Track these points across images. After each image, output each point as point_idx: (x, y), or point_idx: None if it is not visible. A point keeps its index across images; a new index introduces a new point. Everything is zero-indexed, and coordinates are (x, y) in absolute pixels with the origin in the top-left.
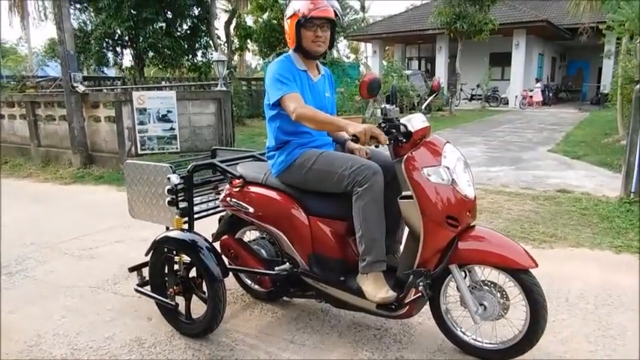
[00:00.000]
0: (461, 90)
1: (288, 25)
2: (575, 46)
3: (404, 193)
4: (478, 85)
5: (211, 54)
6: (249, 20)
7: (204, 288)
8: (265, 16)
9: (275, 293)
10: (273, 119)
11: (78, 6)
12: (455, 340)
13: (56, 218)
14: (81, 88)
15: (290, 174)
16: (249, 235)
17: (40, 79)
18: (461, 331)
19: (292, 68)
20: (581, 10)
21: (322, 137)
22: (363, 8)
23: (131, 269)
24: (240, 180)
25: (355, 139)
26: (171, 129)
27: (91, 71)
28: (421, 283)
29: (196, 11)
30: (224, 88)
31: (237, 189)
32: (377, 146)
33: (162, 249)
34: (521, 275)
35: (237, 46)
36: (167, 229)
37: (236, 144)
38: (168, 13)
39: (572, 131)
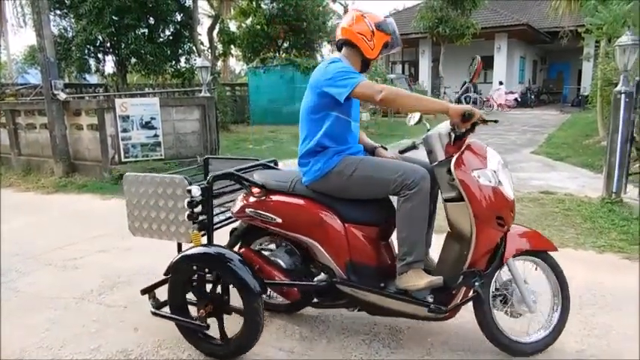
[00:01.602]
0: (444, 93)
1: (376, 39)
2: (555, 49)
3: (447, 196)
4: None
5: (195, 60)
6: (233, 26)
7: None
8: (248, 21)
9: (300, 305)
10: (318, 123)
11: (58, 12)
12: (497, 339)
13: (39, 228)
14: (62, 96)
15: (327, 181)
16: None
17: (20, 87)
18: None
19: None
20: (561, 13)
21: (356, 145)
22: (346, 13)
23: (144, 291)
24: (261, 189)
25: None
26: (155, 136)
27: (73, 78)
28: (476, 283)
29: (179, 17)
30: (208, 94)
31: (255, 199)
32: (403, 151)
33: (186, 267)
34: (549, 258)
35: (221, 51)
36: (179, 245)
37: (221, 150)
38: (151, 19)
39: (555, 133)
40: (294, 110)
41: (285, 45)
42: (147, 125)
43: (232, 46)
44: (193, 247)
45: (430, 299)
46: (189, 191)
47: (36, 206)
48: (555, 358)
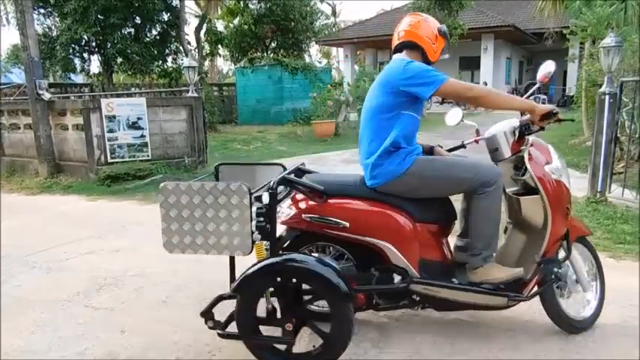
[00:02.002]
0: None
1: (438, 43)
2: (541, 50)
3: (512, 190)
4: None
5: (182, 60)
6: (220, 25)
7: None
8: (236, 21)
9: (362, 309)
10: (390, 122)
11: (42, 11)
12: (561, 319)
13: (24, 230)
14: (47, 96)
15: (401, 183)
16: None
17: (3, 87)
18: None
19: None
20: (546, 15)
21: (417, 145)
22: (334, 13)
23: (203, 314)
24: (320, 194)
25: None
26: (142, 136)
27: (58, 78)
28: (555, 269)
29: (166, 17)
30: (195, 94)
31: (314, 204)
32: (451, 150)
33: (263, 281)
34: (587, 241)
35: (208, 51)
36: (232, 259)
37: (209, 150)
38: (137, 18)
39: (541, 133)
40: (281, 110)
41: (273, 45)
42: (133, 125)
43: (220, 46)
44: (266, 258)
45: (503, 289)
46: (259, 199)
47: (20, 208)
48: (542, 357)
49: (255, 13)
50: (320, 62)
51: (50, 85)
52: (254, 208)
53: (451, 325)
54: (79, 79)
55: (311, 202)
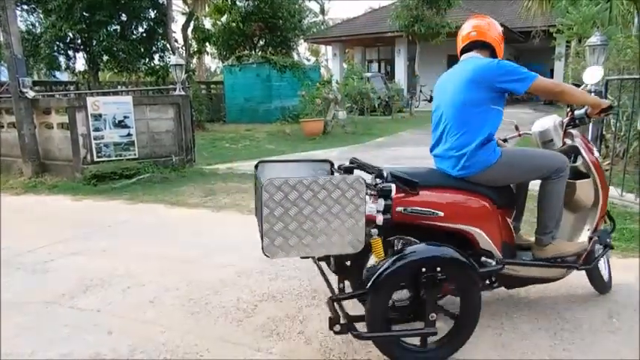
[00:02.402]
0: (420, 92)
1: (502, 43)
2: (528, 48)
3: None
4: None
5: (169, 58)
6: (208, 23)
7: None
8: (224, 18)
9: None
10: (482, 116)
11: (25, 7)
12: (598, 282)
13: (8, 231)
14: (30, 94)
15: (491, 172)
16: None
17: None
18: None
19: None
20: (533, 14)
21: None
22: (322, 11)
23: (332, 322)
24: (410, 186)
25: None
26: (129, 135)
27: (42, 75)
28: (608, 239)
29: (152, 14)
30: (183, 93)
31: (406, 196)
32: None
33: (402, 275)
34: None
35: (196, 49)
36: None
37: (196, 149)
38: (123, 15)
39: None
40: (270, 109)
41: (261, 43)
42: (120, 124)
43: (207, 44)
44: (403, 251)
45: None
46: (388, 192)
47: (4, 208)
48: (529, 354)
49: (242, 10)
50: (309, 60)
51: (34, 83)
52: (382, 203)
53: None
54: (64, 77)
55: (404, 195)
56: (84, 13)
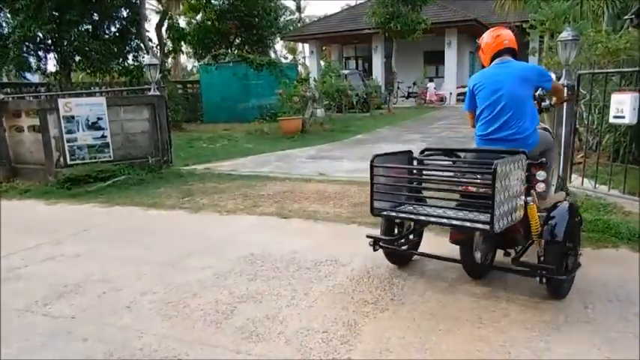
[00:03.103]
0: (398, 88)
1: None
2: None
3: None
4: (414, 83)
5: (143, 57)
6: (182, 22)
7: None
8: (199, 17)
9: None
10: (532, 106)
11: None
12: None
13: None
14: None
15: (538, 146)
16: None
17: None
18: None
19: None
20: (506, 10)
21: None
22: (299, 8)
23: (515, 259)
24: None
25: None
26: (103, 137)
27: (12, 77)
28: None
29: (125, 13)
30: (158, 93)
31: (539, 168)
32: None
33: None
34: None
35: (171, 48)
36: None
37: (173, 149)
38: (95, 15)
39: None
40: (247, 107)
41: (237, 41)
42: (93, 126)
43: (182, 43)
44: (560, 205)
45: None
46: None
47: None
48: (509, 349)
49: (218, 8)
50: (286, 58)
51: (3, 85)
52: (542, 177)
53: (419, 319)
54: (35, 78)
55: (538, 168)
56: (53, 13)
